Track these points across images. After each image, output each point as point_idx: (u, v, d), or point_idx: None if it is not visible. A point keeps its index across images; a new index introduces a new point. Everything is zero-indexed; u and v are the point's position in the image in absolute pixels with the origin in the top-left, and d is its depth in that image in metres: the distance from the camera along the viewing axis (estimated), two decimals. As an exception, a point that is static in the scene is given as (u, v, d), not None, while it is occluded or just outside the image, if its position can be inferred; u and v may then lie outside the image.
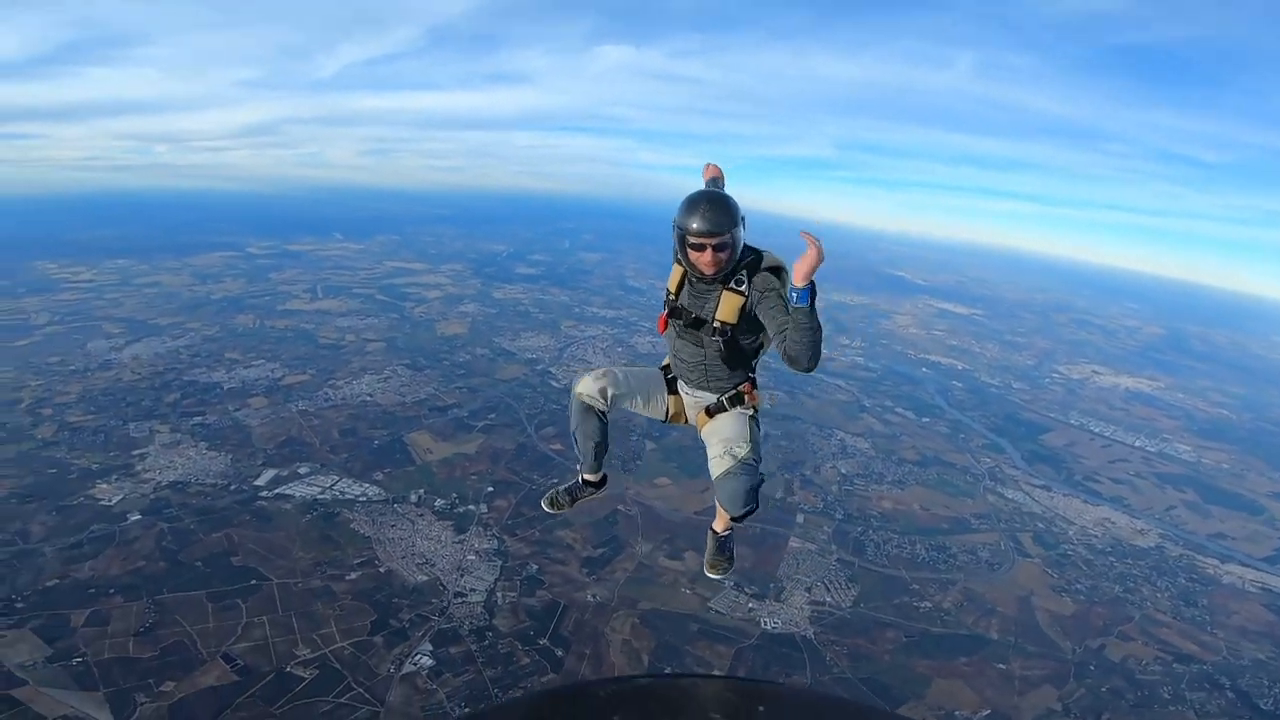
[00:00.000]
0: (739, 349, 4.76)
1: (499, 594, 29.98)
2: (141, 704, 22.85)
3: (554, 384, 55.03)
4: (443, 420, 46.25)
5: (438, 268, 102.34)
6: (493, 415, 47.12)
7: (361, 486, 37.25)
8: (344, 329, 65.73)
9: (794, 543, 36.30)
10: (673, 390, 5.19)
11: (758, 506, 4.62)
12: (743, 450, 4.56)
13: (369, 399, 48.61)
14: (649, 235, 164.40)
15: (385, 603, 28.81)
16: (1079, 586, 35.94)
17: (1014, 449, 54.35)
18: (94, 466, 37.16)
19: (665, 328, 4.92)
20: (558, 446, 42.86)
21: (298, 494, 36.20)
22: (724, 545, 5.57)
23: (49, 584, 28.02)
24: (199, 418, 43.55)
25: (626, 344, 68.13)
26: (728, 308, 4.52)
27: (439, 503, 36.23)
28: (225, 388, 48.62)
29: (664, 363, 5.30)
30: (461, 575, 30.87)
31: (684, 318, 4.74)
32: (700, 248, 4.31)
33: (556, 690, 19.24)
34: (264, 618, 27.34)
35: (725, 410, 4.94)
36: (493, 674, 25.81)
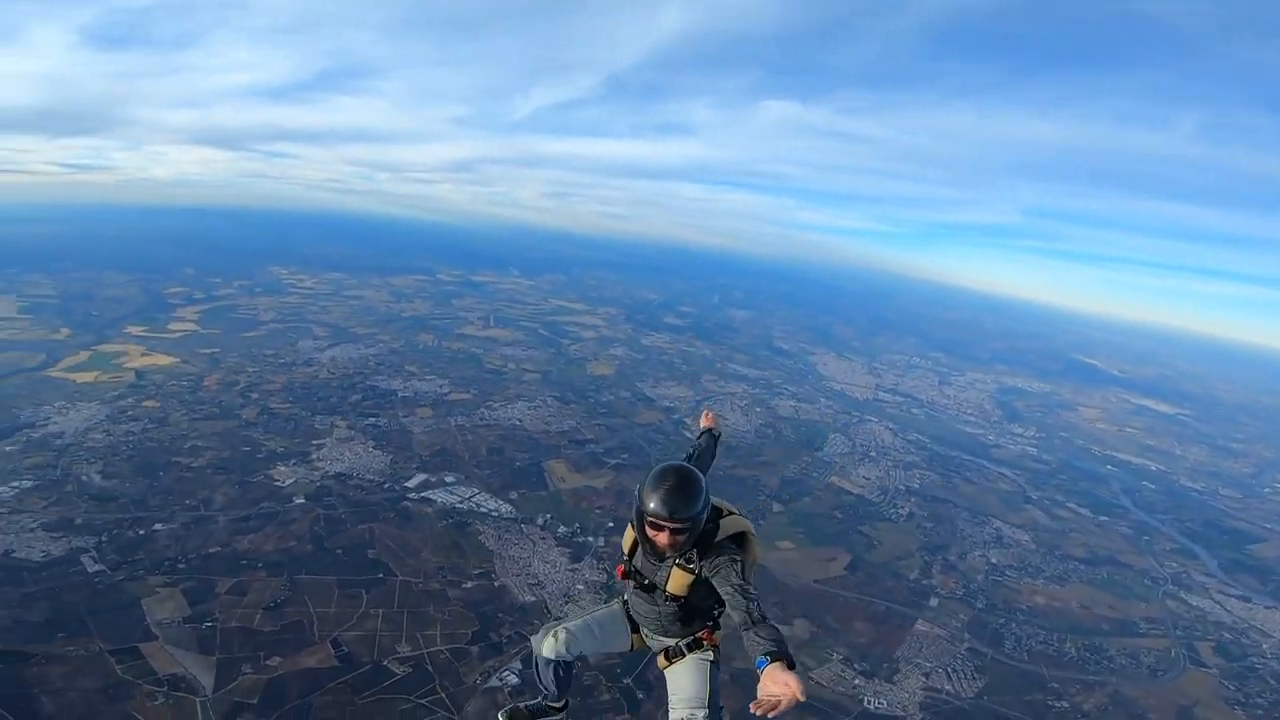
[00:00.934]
0: (694, 609, 4.75)
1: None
2: (244, 674, 24.29)
3: (686, 434, 54.61)
4: (579, 453, 47.51)
5: (595, 309, 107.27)
6: (625, 455, 47.77)
7: (496, 502, 38.96)
8: (507, 357, 70.71)
9: (921, 625, 33.00)
10: (636, 629, 5.22)
11: None
12: (700, 713, 4.57)
13: (518, 424, 51.32)
14: (801, 299, 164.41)
15: (491, 615, 29.28)
16: (1259, 700, 30.30)
17: (1210, 556, 46.35)
18: (279, 450, 42.01)
19: (625, 577, 4.94)
20: None
21: (440, 500, 38.57)
22: None
23: (211, 550, 31.13)
24: (373, 419, 48.37)
25: (767, 405, 66.08)
26: (677, 583, 4.50)
27: (562, 529, 36.83)
28: (400, 395, 53.85)
29: (624, 596, 5.32)
30: (567, 602, 30.99)
31: (637, 580, 4.78)
32: (658, 528, 4.25)
33: None
34: (380, 610, 28.68)
35: (683, 655, 4.95)
36: (572, 705, 24.79)
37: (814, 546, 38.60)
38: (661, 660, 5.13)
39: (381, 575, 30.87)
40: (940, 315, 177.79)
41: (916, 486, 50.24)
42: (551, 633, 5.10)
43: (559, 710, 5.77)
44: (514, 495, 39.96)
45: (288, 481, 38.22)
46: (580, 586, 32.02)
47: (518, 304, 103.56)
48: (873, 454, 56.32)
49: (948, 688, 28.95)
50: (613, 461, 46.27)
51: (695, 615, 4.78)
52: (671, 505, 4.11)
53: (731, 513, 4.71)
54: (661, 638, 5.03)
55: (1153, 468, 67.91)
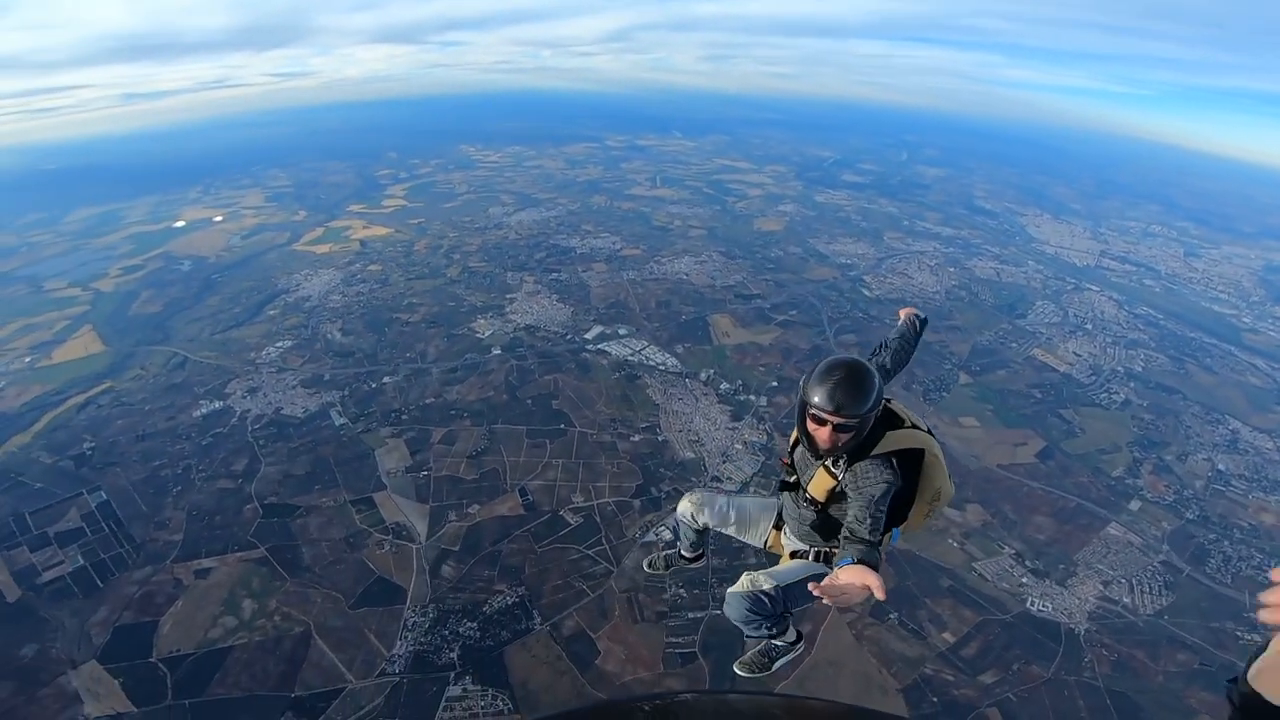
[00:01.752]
0: (829, 521, 4.35)
1: (752, 487, 28.91)
2: (450, 522, 26.49)
3: (865, 292, 49.94)
4: (745, 308, 45.60)
5: (761, 168, 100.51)
6: (794, 311, 45.23)
7: (664, 355, 38.81)
8: (673, 214, 69.60)
9: (1114, 530, 28.29)
10: (779, 526, 4.98)
11: (773, 636, 4.46)
12: (767, 584, 4.08)
13: (684, 278, 50.41)
14: (1010, 157, 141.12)
15: (653, 470, 29.67)
16: None
17: None
18: (479, 304, 45.33)
19: (786, 465, 4.65)
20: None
21: (614, 352, 39.28)
22: (769, 650, 5.03)
23: (427, 401, 34.18)
24: (555, 274, 50.52)
25: (962, 265, 57.73)
26: (818, 485, 4.18)
27: (724, 386, 36.02)
28: (578, 252, 55.73)
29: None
30: (724, 461, 30.45)
31: (788, 474, 4.54)
32: (820, 421, 3.84)
33: (595, 707, 18.48)
34: (559, 461, 30.04)
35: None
36: (717, 564, 25.15)
37: (1003, 427, 34.21)
38: (786, 560, 4.73)
39: (562, 426, 32.27)
40: (1194, 184, 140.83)
41: (1139, 370, 42.23)
42: (691, 497, 5.11)
43: (691, 560, 5.95)
44: (680, 349, 39.63)
45: (487, 333, 41.25)
46: (739, 446, 31.29)
47: (682, 164, 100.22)
48: (1088, 326, 47.93)
49: (1125, 600, 24.90)
50: (779, 318, 44.02)
51: (830, 531, 4.35)
52: (837, 400, 3.70)
53: (913, 425, 4.11)
54: (797, 541, 4.71)
55: None
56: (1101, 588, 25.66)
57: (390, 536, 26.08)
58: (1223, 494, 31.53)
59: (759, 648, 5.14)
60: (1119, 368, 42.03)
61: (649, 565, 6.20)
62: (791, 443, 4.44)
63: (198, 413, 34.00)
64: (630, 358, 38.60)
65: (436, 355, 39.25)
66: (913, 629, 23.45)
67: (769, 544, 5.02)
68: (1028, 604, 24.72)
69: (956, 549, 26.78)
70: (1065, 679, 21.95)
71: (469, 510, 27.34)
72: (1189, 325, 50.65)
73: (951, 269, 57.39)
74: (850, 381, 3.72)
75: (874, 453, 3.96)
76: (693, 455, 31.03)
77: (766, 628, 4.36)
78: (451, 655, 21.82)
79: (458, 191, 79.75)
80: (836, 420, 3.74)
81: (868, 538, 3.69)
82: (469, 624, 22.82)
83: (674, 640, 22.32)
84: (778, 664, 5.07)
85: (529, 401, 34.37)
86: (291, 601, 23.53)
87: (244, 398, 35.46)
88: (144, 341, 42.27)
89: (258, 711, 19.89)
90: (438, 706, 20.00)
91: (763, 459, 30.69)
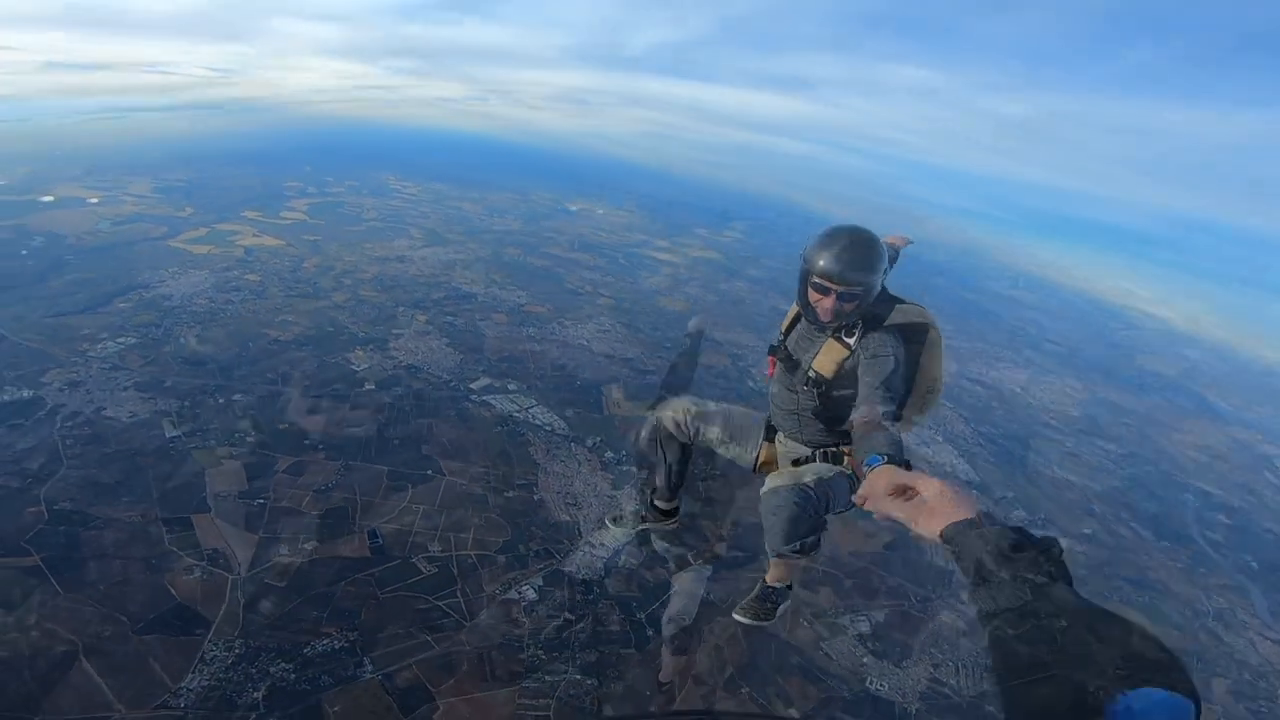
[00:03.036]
0: (835, 407, 4.89)
1: (623, 557, 28.86)
2: (280, 555, 25.48)
3: (750, 382, 52.63)
4: (638, 381, 46.27)
5: (677, 248, 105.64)
6: (683, 392, 46.50)
7: (552, 416, 38.56)
8: (585, 280, 70.64)
9: (945, 617, 30.32)
10: (770, 438, 5.43)
11: (804, 551, 4.76)
12: (808, 478, 4.57)
13: (585, 344, 50.64)
14: (903, 268, 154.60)
15: (524, 528, 29.04)
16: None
17: (1264, 598, 39.46)
18: (361, 334, 43.51)
19: (773, 371, 5.04)
20: None
21: (499, 406, 38.59)
22: (768, 595, 5.63)
23: (280, 426, 33.13)
24: (451, 318, 49.16)
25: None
26: (827, 358, 4.85)
27: (609, 454, 36.17)
28: (479, 299, 54.54)
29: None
30: (599, 527, 30.36)
31: (784, 357, 5.08)
32: (824, 290, 4.63)
33: None
34: (421, 507, 29.31)
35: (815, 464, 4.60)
36: (580, 629, 24.73)
37: (865, 518, 36.46)
38: (790, 469, 4.80)
39: (430, 472, 31.53)
40: (1019, 298, 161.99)
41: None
42: (680, 402, 5.23)
43: (667, 516, 5.50)
44: (569, 413, 39.62)
45: (363, 366, 39.58)
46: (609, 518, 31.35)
47: (604, 233, 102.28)
48: (939, 439, 53.21)
49: (952, 682, 26.78)
50: (667, 395, 45.18)
51: (836, 419, 4.75)
52: (843, 263, 4.20)
53: (917, 305, 4.49)
54: (796, 443, 5.14)
55: (1235, 503, 58.47)
56: (932, 669, 26.42)
57: (204, 563, 22.85)
58: None
59: (756, 592, 5.80)
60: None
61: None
62: (787, 324, 4.88)
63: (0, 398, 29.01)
64: (516, 414, 37.04)
65: (301, 380, 35.81)
66: (761, 703, 23.00)
67: (761, 459, 5.37)
68: (867, 683, 25.15)
69: (807, 629, 27.00)
70: None
71: (305, 545, 24.68)
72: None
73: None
74: (856, 247, 4.16)
75: (888, 322, 4.31)
76: (568, 518, 29.70)
77: (807, 538, 4.54)
78: (255, 695, 18.78)
79: (365, 217, 76.14)
80: (841, 288, 4.23)
81: (891, 416, 3.81)
82: (283, 664, 19.96)
83: (527, 703, 20.42)
84: (780, 610, 5.52)
85: (396, 442, 31.95)
86: (59, 617, 19.72)
87: (61, 390, 30.54)
88: (-48, 313, 36.34)
89: None
90: None
91: (636, 532, 29.95)
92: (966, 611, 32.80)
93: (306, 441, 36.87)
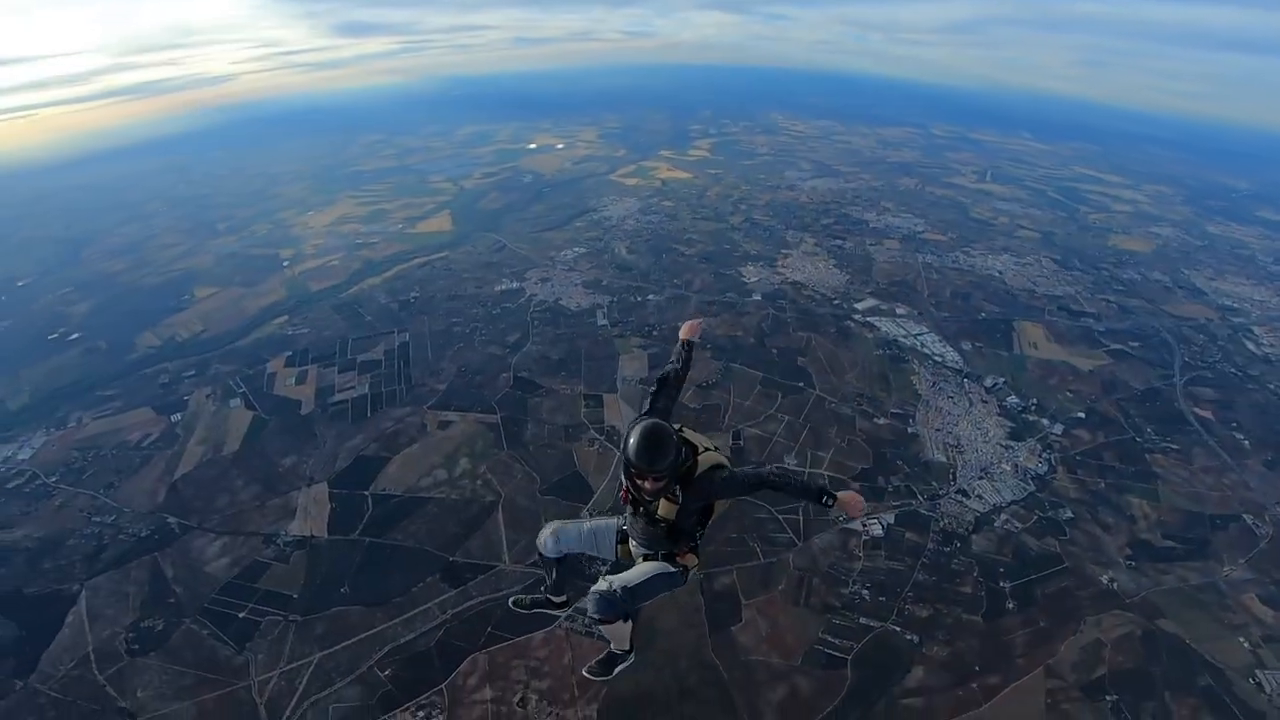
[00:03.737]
0: (680, 530, 5.60)
1: (1004, 515, 23.04)
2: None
3: (1249, 345, 36.24)
4: (1069, 324, 36.34)
5: (1138, 186, 79.00)
6: (1135, 343, 34.84)
7: (945, 347, 32.80)
8: (1000, 210, 59.13)
9: None
10: (624, 541, 6.14)
11: (600, 620, 5.62)
12: (611, 586, 5.50)
13: (996, 275, 42.22)
14: None
15: (889, 459, 25.45)
16: None
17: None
18: (753, 252, 44.21)
19: (625, 501, 5.70)
20: (1205, 413, 29.57)
21: (883, 329, 35.19)
22: (610, 658, 6.44)
23: (680, 324, 35.79)
24: (839, 241, 47.12)
25: None
26: (666, 509, 5.37)
27: (1011, 400, 29.26)
28: (870, 225, 51.30)
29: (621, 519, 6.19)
30: (982, 477, 24.69)
31: (637, 509, 5.59)
32: (641, 476, 5.06)
33: None
34: (786, 417, 27.49)
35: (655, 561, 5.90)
36: (923, 579, 20.50)
37: None
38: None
39: (801, 384, 29.68)
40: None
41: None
42: (550, 531, 6.16)
43: (557, 606, 6.98)
44: (967, 346, 33.23)
45: (752, 279, 40.19)
46: (1007, 467, 25.19)
47: (1024, 164, 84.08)
48: None
49: None
50: (1112, 345, 34.33)
51: (680, 535, 5.65)
52: (649, 459, 4.89)
53: (707, 449, 5.39)
54: (646, 550, 5.89)
55: None
56: None
57: (602, 437, 26.34)
58: None
59: (601, 656, 6.37)
60: None
61: (514, 603, 7.16)
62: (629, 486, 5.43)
63: (499, 288, 39.04)
64: (902, 339, 33.80)
65: (701, 287, 39.32)
66: (1125, 718, 16.98)
67: (620, 556, 6.12)
68: None
69: (1245, 649, 18.71)
70: None
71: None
72: None
73: None
74: (654, 445, 4.90)
75: (698, 474, 5.21)
76: (944, 459, 25.67)
77: (620, 619, 5.68)
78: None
79: (759, 152, 79.52)
80: (652, 474, 4.97)
81: (781, 475, 5.18)
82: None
83: (828, 639, 18.91)
84: (617, 670, 6.36)
85: (774, 351, 32.07)
86: (497, 470, 24.77)
87: (536, 284, 39.83)
88: (481, 228, 50.57)
89: (415, 565, 20.93)
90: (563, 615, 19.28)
91: (1032, 489, 24.23)
92: None
93: (698, 340, 38.48)
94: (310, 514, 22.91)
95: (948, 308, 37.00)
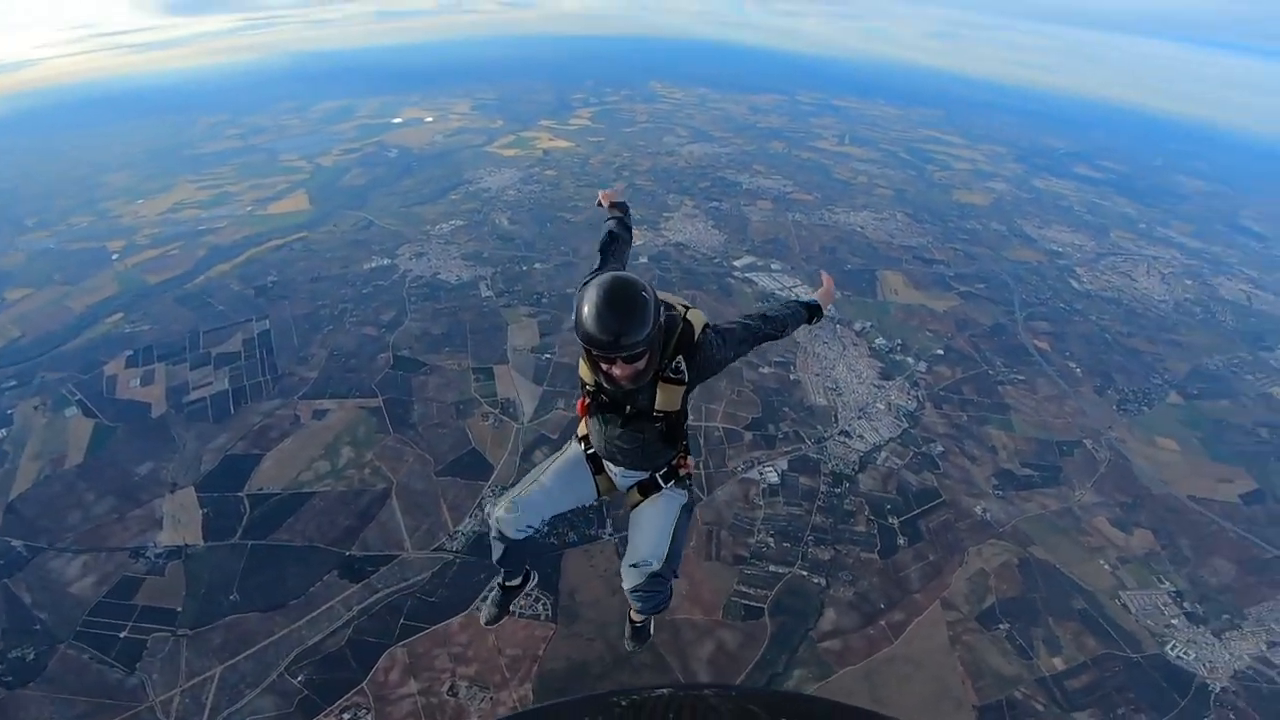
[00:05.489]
0: (677, 427, 4.19)
1: (884, 454, 25.10)
2: (557, 409, 25.81)
3: (1073, 284, 42.01)
4: (923, 270, 40.34)
5: (975, 145, 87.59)
6: (981, 285, 39.21)
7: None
8: (859, 170, 63.79)
9: None
10: (598, 469, 4.62)
11: (666, 609, 4.58)
12: (656, 564, 4.25)
13: (858, 230, 45.86)
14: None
15: (776, 407, 27.01)
16: None
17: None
18: (637, 217, 44.90)
19: (588, 414, 4.35)
20: (1043, 345, 33.76)
21: (761, 283, 36.83)
22: (638, 633, 5.43)
23: (569, 290, 34.13)
24: (716, 203, 48.92)
25: (1204, 280, 46.17)
26: (668, 397, 3.95)
27: (879, 341, 31.97)
28: (744, 188, 53.53)
29: (580, 433, 4.70)
30: (860, 417, 26.77)
31: (616, 410, 4.11)
32: (610, 359, 3.58)
33: (574, 702, 15.96)
34: None
35: (659, 489, 4.49)
36: (820, 521, 21.95)
37: (1208, 459, 27.55)
38: (634, 494, 4.59)
39: None
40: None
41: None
42: (505, 506, 4.55)
43: (520, 587, 5.47)
44: (838, 294, 36.75)
45: (637, 242, 41.55)
46: (881, 406, 27.52)
47: (879, 128, 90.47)
48: None
49: None
50: (962, 288, 38.48)
51: (678, 431, 4.22)
52: (621, 327, 3.33)
53: (685, 305, 4.06)
54: (635, 471, 4.48)
55: None
56: (1264, 649, 19.90)
57: (497, 410, 25.87)
58: None
59: (493, 596, 5.40)
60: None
61: (486, 620, 5.59)
62: (590, 377, 4.05)
63: (368, 266, 36.70)
64: (779, 291, 35.78)
65: (588, 253, 38.89)
66: (1019, 645, 19.30)
67: (600, 493, 4.73)
68: (1167, 647, 19.74)
69: (1107, 572, 21.82)
70: None
71: (575, 401, 27.02)
72: None
73: (1189, 281, 46.19)
74: (628, 306, 3.36)
75: (698, 336, 3.82)
76: (825, 402, 27.59)
77: (667, 597, 4.56)
78: None
79: (638, 119, 79.73)
80: (624, 354, 3.42)
81: (779, 315, 4.41)
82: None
83: (744, 590, 19.97)
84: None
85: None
86: (385, 456, 23.78)
87: (410, 260, 37.82)
88: (343, 206, 46.96)
89: (308, 563, 19.92)
90: (477, 594, 19.15)
91: (905, 426, 26.66)
92: None
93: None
94: (181, 522, 20.99)
95: (817, 261, 39.62)
